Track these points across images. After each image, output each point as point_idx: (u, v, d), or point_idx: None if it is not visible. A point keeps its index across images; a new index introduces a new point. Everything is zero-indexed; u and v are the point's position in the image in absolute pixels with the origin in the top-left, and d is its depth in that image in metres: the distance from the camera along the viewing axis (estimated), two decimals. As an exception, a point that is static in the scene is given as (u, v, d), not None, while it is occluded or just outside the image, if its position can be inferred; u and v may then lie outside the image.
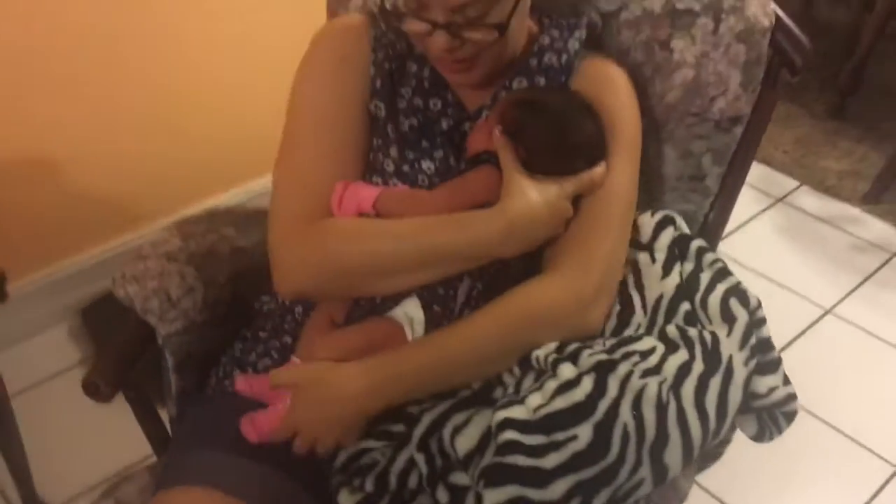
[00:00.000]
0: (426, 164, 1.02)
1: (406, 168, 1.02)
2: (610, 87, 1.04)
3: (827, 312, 2.11)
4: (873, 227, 2.37)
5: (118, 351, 1.11)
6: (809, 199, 2.47)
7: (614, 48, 1.14)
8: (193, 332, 1.13)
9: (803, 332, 2.05)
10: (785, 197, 2.47)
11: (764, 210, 2.42)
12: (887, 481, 1.72)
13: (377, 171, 1.03)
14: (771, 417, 0.94)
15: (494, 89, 1.05)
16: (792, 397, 0.93)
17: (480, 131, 0.98)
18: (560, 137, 0.95)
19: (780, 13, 1.09)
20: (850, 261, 2.27)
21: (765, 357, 0.93)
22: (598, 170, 0.96)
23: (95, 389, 1.06)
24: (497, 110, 0.97)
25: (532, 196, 0.92)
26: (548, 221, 0.93)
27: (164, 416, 1.19)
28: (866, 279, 2.21)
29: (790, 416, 0.95)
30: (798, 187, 2.51)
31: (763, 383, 0.92)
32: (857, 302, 2.14)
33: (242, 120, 2.08)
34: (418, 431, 0.92)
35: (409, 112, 1.04)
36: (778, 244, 2.32)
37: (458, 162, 1.03)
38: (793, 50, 1.09)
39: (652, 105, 1.13)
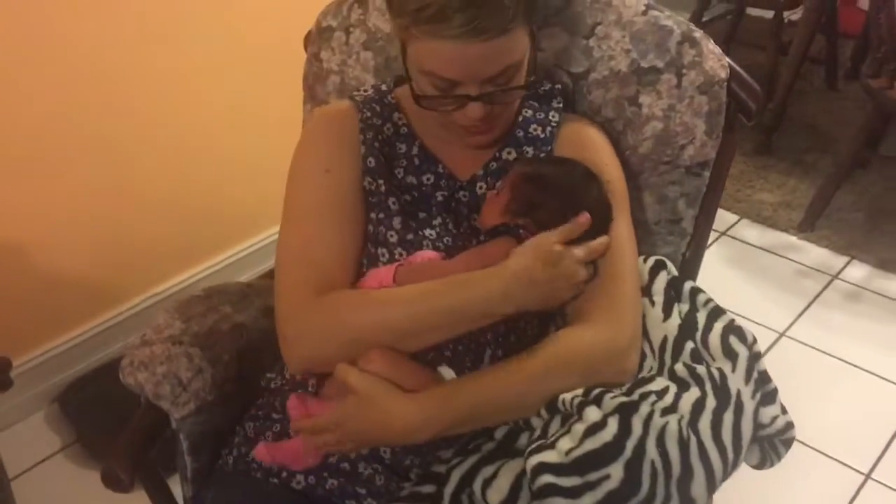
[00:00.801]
0: (427, 232, 1.07)
1: (410, 237, 1.07)
2: (591, 147, 1.12)
3: (781, 336, 2.21)
4: (811, 252, 2.51)
5: (132, 439, 1.11)
6: (750, 231, 2.61)
7: (586, 106, 1.22)
8: (205, 413, 1.14)
9: (762, 357, 2.15)
10: (728, 230, 2.60)
11: (710, 244, 2.54)
12: (859, 489, 1.80)
13: (381, 243, 1.07)
14: (771, 446, 1.00)
15: (485, 159, 1.11)
16: (790, 425, 1.00)
17: (492, 205, 1.03)
18: (569, 209, 1.00)
19: (734, 65, 1.19)
20: (794, 285, 2.39)
21: (765, 388, 1.00)
22: (602, 239, 1.01)
23: (115, 480, 1.06)
24: (507, 184, 1.02)
25: (531, 256, 0.96)
26: (548, 281, 0.96)
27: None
28: (812, 302, 2.33)
29: (788, 444, 1.01)
30: (738, 220, 2.64)
31: (766, 414, 0.98)
32: (806, 324, 2.26)
33: (217, 193, 2.11)
34: (449, 489, 0.95)
35: (403, 189, 1.10)
36: (728, 274, 2.44)
37: (456, 226, 1.08)
38: (747, 97, 1.19)
39: (626, 156, 1.21)
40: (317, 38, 1.34)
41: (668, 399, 0.94)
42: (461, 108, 1.00)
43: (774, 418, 0.99)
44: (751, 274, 2.44)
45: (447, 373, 0.98)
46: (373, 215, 1.08)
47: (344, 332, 0.99)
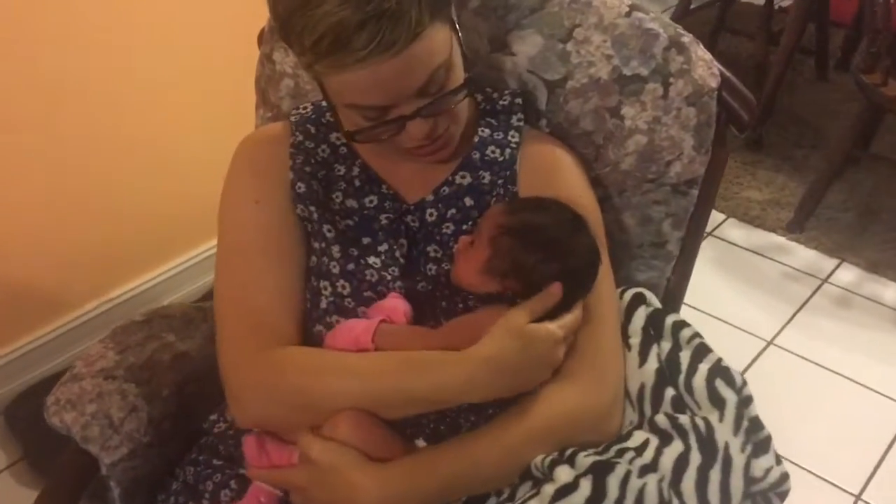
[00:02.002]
0: (372, 260, 0.98)
1: (351, 266, 0.97)
2: (559, 173, 1.02)
3: (769, 344, 2.12)
4: (800, 254, 2.42)
5: (60, 487, 1.01)
6: (737, 231, 2.51)
7: (562, 117, 1.11)
8: (139, 457, 1.03)
9: (749, 366, 2.06)
10: (714, 230, 2.50)
11: (696, 246, 2.44)
12: (850, 514, 1.73)
13: (323, 275, 0.98)
14: (765, 500, 0.91)
15: (436, 183, 1.01)
16: (785, 477, 0.90)
17: (468, 260, 0.92)
18: (561, 267, 0.90)
19: (725, 71, 1.08)
20: (783, 290, 2.30)
21: (757, 437, 0.90)
22: (577, 313, 0.91)
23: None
24: (486, 239, 0.91)
25: (500, 340, 0.85)
26: (521, 366, 0.86)
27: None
28: (801, 307, 2.24)
29: (783, 496, 0.92)
30: (725, 220, 2.54)
31: (759, 466, 0.88)
32: (795, 331, 2.16)
33: (170, 196, 1.99)
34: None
35: (343, 214, 1.00)
36: (713, 278, 2.34)
37: (404, 255, 0.99)
38: (740, 106, 1.09)
39: (607, 173, 1.10)
40: (269, 38, 1.22)
41: (648, 456, 0.85)
42: (402, 130, 0.89)
43: (768, 470, 0.90)
44: (737, 277, 2.35)
45: (423, 446, 0.88)
46: (315, 245, 0.99)
47: (295, 398, 0.89)
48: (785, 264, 2.39)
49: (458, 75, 0.91)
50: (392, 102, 0.87)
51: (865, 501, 1.74)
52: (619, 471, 0.81)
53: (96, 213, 1.88)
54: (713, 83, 1.06)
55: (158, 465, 1.06)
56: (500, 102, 1.06)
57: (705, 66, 1.06)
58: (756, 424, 0.91)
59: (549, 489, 0.81)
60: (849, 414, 1.94)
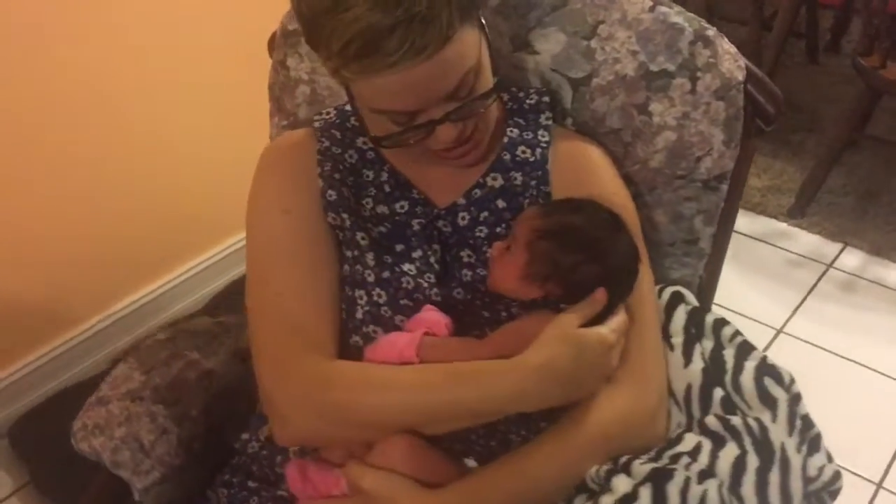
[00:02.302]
0: (407, 267, 0.95)
1: (387, 274, 0.94)
2: (592, 171, 1.00)
3: (779, 332, 2.12)
4: (804, 240, 2.42)
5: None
6: (738, 219, 2.47)
7: (588, 115, 1.09)
8: (171, 480, 1.01)
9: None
10: (716, 220, 2.49)
11: (699, 235, 2.43)
12: (871, 501, 1.71)
13: (358, 284, 0.95)
14: (818, 500, 0.90)
15: (467, 186, 0.99)
16: (838, 475, 0.89)
17: (505, 266, 0.90)
18: (602, 267, 0.88)
19: (751, 65, 1.07)
20: (788, 277, 2.30)
21: (809, 435, 0.89)
22: (622, 316, 0.89)
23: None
24: (522, 243, 0.89)
25: (552, 346, 0.83)
26: (574, 374, 0.83)
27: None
28: (808, 294, 2.24)
29: (835, 495, 0.90)
30: (726, 208, 2.54)
31: (813, 465, 0.87)
32: (804, 318, 2.16)
33: (172, 203, 1.95)
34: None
35: (375, 221, 0.98)
36: (718, 268, 2.33)
37: (439, 261, 0.96)
38: (766, 100, 1.08)
39: (636, 170, 1.08)
40: (282, 44, 1.19)
41: (704, 460, 0.83)
42: (431, 134, 0.87)
43: (822, 469, 0.88)
44: (743, 265, 2.34)
45: (473, 465, 0.86)
46: (348, 253, 0.96)
47: (342, 413, 0.86)
48: (789, 251, 2.38)
49: (487, 78, 0.89)
50: (422, 107, 0.85)
51: (887, 489, 1.73)
52: (678, 478, 0.79)
53: (92, 224, 1.83)
54: (740, 76, 1.04)
55: (191, 488, 1.03)
56: (527, 101, 1.04)
57: (732, 59, 1.04)
58: (807, 422, 0.90)
59: (607, 501, 0.79)
60: (864, 401, 1.93)
